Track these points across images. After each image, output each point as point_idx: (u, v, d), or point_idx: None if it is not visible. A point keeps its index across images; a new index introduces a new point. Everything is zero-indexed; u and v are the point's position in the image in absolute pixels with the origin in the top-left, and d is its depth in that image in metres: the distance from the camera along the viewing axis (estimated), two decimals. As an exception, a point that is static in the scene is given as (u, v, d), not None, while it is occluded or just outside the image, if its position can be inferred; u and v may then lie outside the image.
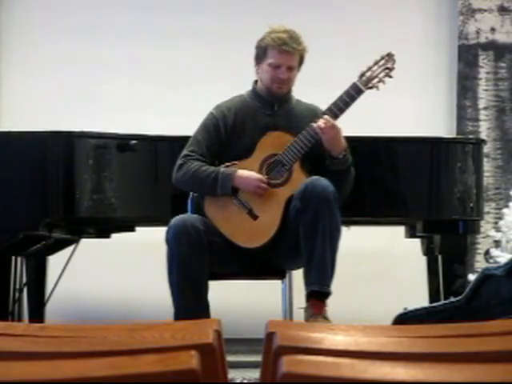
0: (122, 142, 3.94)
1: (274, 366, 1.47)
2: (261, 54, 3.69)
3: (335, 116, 3.59)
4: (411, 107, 5.38)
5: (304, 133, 3.58)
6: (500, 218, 4.59)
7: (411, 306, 3.42)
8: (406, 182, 4.09)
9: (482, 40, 5.44)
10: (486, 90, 5.42)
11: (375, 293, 5.08)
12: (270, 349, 1.56)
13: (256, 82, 3.77)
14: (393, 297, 4.64)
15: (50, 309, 4.38)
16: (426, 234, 4.20)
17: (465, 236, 4.16)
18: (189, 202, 3.75)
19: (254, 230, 3.59)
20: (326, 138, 3.55)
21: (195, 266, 3.44)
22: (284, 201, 3.58)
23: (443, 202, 4.10)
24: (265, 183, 3.59)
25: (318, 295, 3.44)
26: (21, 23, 5.43)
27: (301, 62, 3.69)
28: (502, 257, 4.06)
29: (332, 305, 3.47)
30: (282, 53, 3.63)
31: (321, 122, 3.54)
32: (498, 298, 3.24)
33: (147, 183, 4.02)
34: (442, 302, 3.71)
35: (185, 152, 3.67)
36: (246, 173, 3.60)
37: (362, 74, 3.65)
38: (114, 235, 4.40)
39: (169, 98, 5.28)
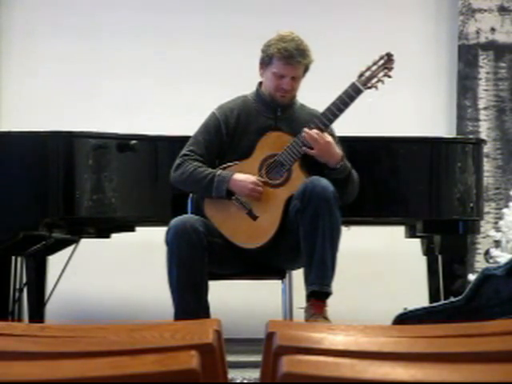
0: (122, 142, 3.94)
1: (274, 366, 1.47)
2: (266, 60, 3.66)
3: (335, 116, 3.58)
4: (411, 107, 5.37)
5: (303, 133, 3.58)
6: (500, 218, 4.59)
7: (411, 306, 3.42)
8: (406, 182, 4.09)
9: (482, 40, 5.43)
10: (486, 90, 5.42)
11: (375, 293, 5.07)
12: (270, 349, 1.56)
13: (260, 83, 3.75)
14: (393, 297, 4.64)
15: (50, 309, 4.37)
16: (426, 234, 4.20)
17: (465, 236, 4.16)
18: (189, 201, 3.74)
19: (253, 230, 3.58)
20: (316, 154, 3.56)
21: (195, 266, 3.44)
22: (284, 201, 3.57)
23: (443, 202, 4.10)
24: (260, 186, 3.58)
25: (318, 295, 3.44)
26: (21, 23, 5.43)
27: (306, 70, 3.67)
28: (502, 257, 4.06)
29: (332, 305, 3.47)
30: (286, 65, 3.61)
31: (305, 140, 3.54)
32: (497, 298, 3.24)
33: (147, 183, 4.02)
34: (442, 301, 3.70)
35: (184, 151, 3.67)
36: (242, 176, 3.59)
37: (361, 74, 3.65)
38: (114, 235, 4.40)
39: (169, 97, 5.28)
